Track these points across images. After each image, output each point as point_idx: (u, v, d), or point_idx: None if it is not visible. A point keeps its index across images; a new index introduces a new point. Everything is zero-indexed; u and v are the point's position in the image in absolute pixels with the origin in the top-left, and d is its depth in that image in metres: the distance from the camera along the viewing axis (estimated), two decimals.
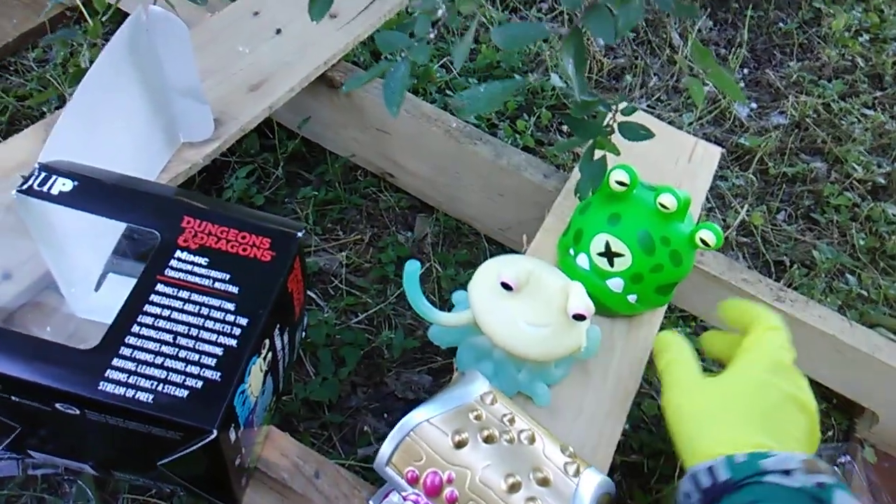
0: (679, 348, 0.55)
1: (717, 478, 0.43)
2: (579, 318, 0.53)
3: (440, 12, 0.63)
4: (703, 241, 0.58)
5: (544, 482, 0.44)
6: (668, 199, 0.58)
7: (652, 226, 0.60)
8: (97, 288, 0.61)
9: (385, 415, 0.77)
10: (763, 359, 0.51)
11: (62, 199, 0.47)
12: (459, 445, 0.45)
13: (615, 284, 0.61)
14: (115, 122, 0.63)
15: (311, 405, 0.75)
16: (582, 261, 0.62)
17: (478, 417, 0.46)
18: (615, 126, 0.64)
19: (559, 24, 1.31)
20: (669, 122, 1.14)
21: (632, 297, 0.62)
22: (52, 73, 0.98)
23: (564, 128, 1.12)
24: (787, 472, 0.42)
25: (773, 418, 0.47)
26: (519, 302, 0.54)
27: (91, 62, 0.58)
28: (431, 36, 0.59)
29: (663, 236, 0.59)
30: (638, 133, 0.63)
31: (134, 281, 0.46)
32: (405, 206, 0.95)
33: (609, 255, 0.60)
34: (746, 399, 0.48)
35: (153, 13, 0.61)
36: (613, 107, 0.63)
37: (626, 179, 0.60)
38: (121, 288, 0.61)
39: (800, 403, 0.48)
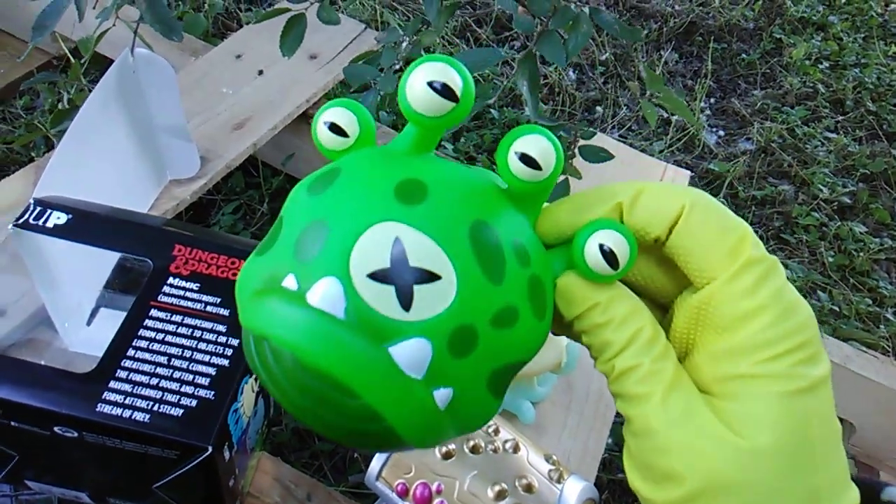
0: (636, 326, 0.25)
1: None
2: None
3: (404, 45, 0.66)
4: (606, 255, 0.24)
5: (529, 489, 0.46)
6: (535, 144, 0.24)
7: (492, 214, 0.24)
8: (89, 322, 0.62)
9: None
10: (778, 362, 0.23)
11: (57, 232, 0.49)
12: (447, 456, 0.47)
13: (411, 356, 0.22)
14: (105, 160, 0.65)
15: (300, 435, 0.76)
16: (326, 297, 0.22)
17: None
18: (577, 150, 0.67)
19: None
20: (641, 151, 1.18)
21: (442, 395, 0.23)
22: (39, 119, 1.00)
23: None
24: None
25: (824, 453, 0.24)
26: None
27: (70, 103, 0.60)
28: (398, 67, 0.63)
29: (517, 240, 0.24)
30: (598, 155, 0.66)
31: (124, 315, 0.47)
32: None
33: (403, 278, 0.22)
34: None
35: (139, 55, 0.64)
36: (573, 131, 0.67)
37: (343, 121, 0.25)
38: (112, 322, 0.63)
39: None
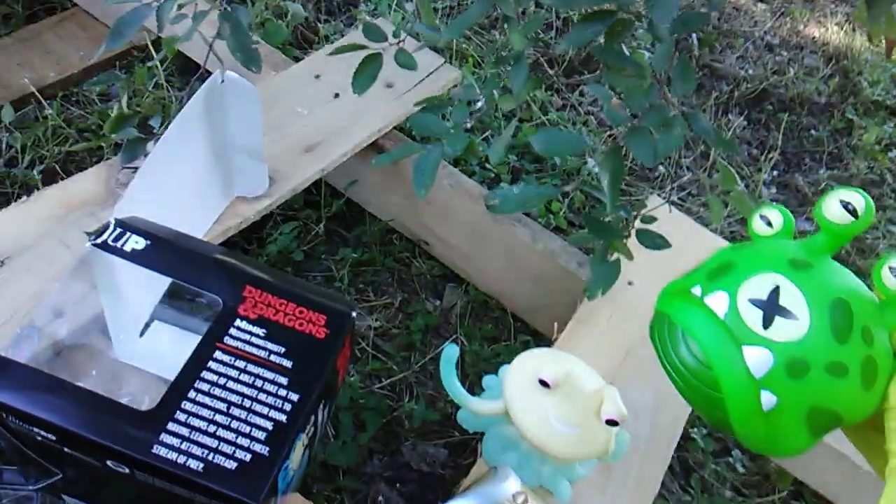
0: None
1: None
2: (612, 423, 0.54)
3: (479, 104, 0.65)
4: None
5: None
6: None
7: (858, 302, 0.35)
8: (141, 335, 0.62)
9: (398, 485, 0.77)
10: None
11: (135, 257, 0.49)
12: None
13: (757, 359, 0.34)
14: (182, 176, 0.66)
15: (327, 467, 0.76)
16: (717, 302, 0.36)
17: None
18: (633, 232, 0.66)
19: (604, 132, 1.35)
20: (698, 217, 1.16)
21: (768, 398, 0.34)
22: (111, 111, 1.01)
23: None
24: None
25: None
26: (554, 399, 0.55)
27: (130, 104, 0.60)
28: (469, 125, 0.61)
29: (868, 326, 0.34)
30: (654, 242, 0.65)
31: (174, 329, 0.47)
32: (437, 275, 0.97)
33: (771, 307, 0.35)
34: None
35: (229, 79, 0.64)
36: (634, 212, 0.66)
37: (776, 219, 0.39)
38: (162, 336, 0.63)
39: None
